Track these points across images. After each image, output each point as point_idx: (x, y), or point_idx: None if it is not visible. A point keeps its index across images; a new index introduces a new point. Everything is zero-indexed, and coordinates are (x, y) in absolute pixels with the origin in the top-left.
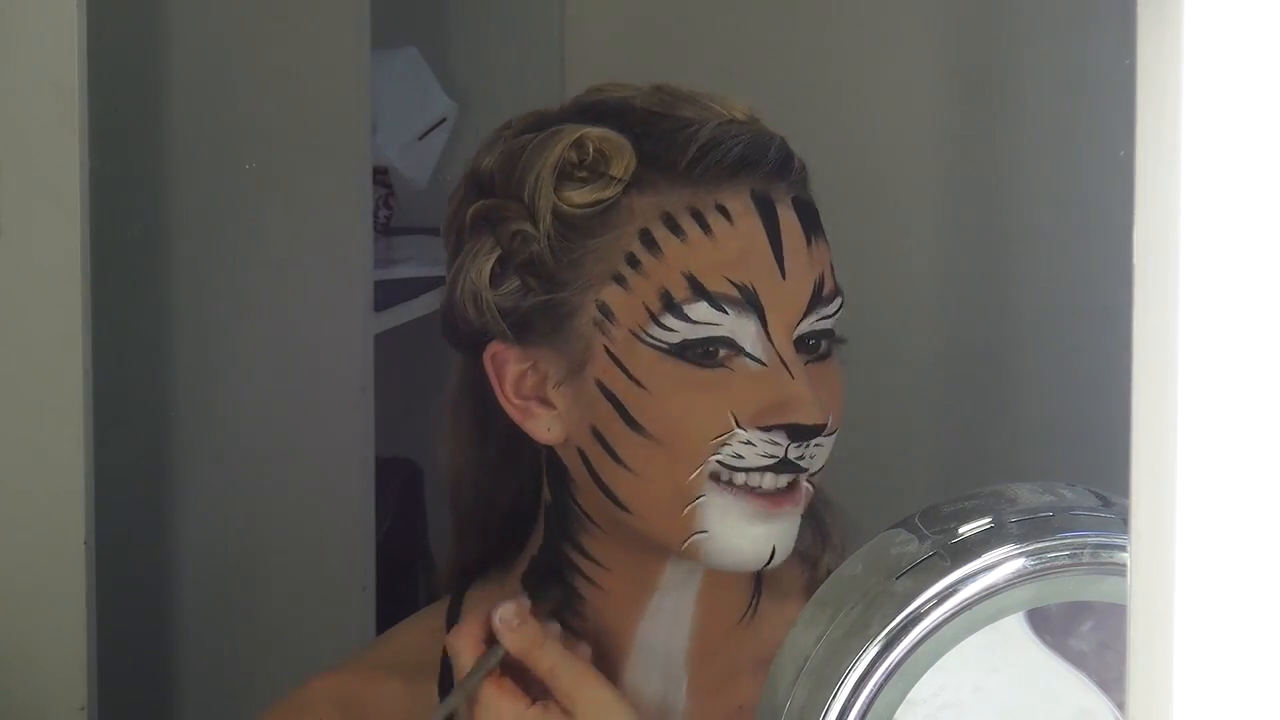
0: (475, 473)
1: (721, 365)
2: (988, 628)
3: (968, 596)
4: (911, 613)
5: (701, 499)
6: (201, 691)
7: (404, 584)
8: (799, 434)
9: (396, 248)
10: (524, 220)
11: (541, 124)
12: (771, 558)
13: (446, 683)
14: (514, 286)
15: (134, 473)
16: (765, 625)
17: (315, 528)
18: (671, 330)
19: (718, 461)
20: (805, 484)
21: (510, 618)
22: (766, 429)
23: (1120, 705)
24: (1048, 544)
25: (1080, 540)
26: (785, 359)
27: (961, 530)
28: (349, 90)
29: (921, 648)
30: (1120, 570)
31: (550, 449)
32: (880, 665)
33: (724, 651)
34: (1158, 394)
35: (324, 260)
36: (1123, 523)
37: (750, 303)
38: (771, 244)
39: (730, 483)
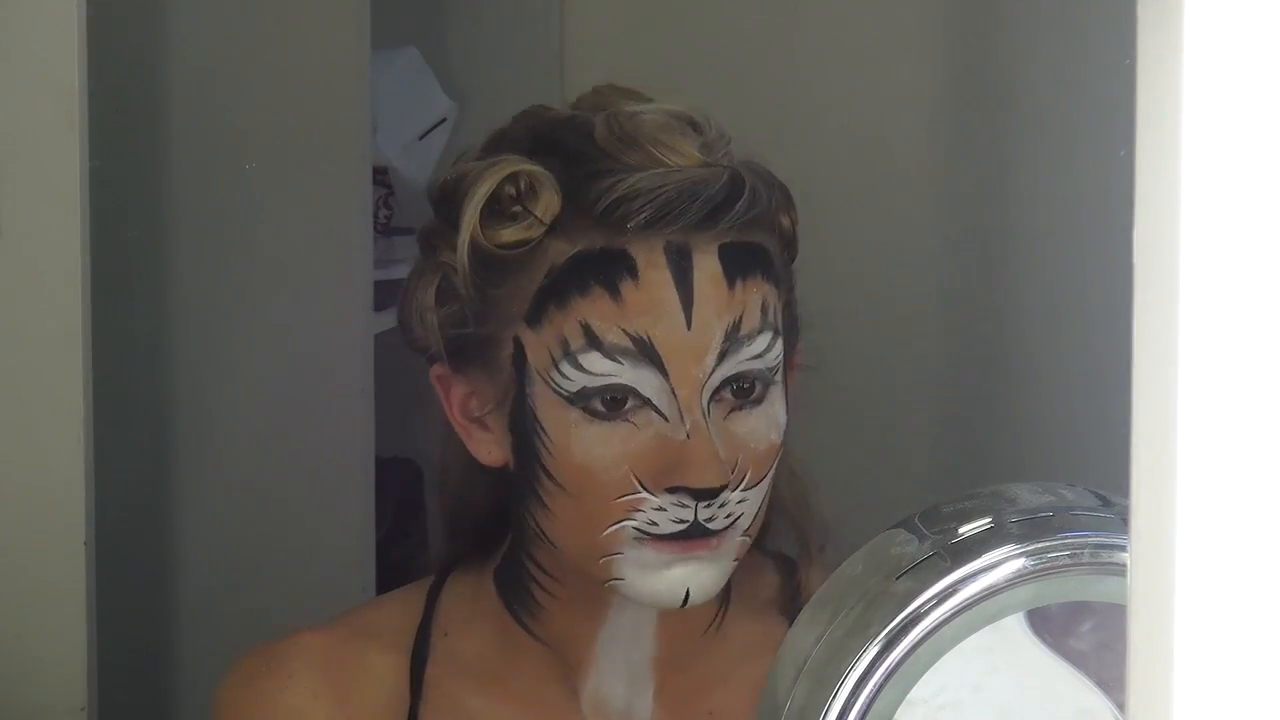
0: (458, 473)
1: (623, 418)
2: (988, 628)
3: (968, 596)
4: (911, 613)
5: (619, 555)
6: (201, 692)
7: (404, 584)
8: (699, 495)
9: (396, 248)
10: (450, 251)
11: (496, 142)
12: (687, 599)
13: (420, 655)
14: (457, 308)
15: (134, 473)
16: (737, 635)
17: (315, 528)
18: (569, 379)
19: (634, 528)
20: (728, 532)
21: None
22: (672, 490)
23: (1120, 705)
24: (1048, 544)
25: (1080, 540)
26: (686, 414)
27: (961, 530)
28: (349, 90)
29: (921, 648)
30: (1120, 570)
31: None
32: (880, 665)
33: (694, 660)
34: (1158, 394)
35: (324, 260)
36: (1123, 523)
37: (646, 354)
38: (680, 295)
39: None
